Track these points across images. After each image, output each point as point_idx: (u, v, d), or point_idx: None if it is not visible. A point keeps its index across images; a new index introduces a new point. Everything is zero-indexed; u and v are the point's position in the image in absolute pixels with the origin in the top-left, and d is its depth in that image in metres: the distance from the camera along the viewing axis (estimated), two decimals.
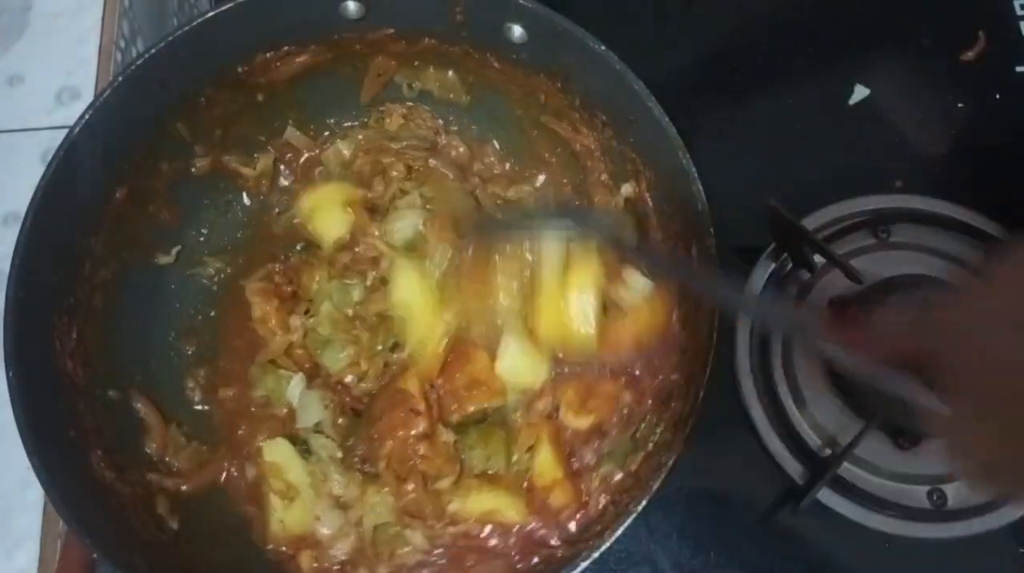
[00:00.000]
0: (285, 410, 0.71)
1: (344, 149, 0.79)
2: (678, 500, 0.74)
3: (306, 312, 0.73)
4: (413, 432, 0.65)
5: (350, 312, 0.72)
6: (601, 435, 0.68)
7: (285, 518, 0.66)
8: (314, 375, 0.72)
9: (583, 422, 0.68)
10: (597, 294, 0.66)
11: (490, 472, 0.68)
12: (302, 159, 0.79)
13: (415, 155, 0.77)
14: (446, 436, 0.67)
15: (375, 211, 0.76)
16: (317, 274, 0.74)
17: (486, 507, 0.65)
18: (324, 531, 0.66)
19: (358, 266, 0.73)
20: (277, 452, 0.68)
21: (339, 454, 0.68)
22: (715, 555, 0.73)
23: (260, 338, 0.72)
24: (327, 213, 0.74)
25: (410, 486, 0.66)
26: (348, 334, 0.71)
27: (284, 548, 0.67)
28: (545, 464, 0.67)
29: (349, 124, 0.80)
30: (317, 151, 0.79)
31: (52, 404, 0.60)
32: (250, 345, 0.73)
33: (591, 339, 0.67)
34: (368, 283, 0.73)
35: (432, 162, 0.77)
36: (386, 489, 0.66)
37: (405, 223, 0.73)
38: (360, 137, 0.79)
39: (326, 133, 0.79)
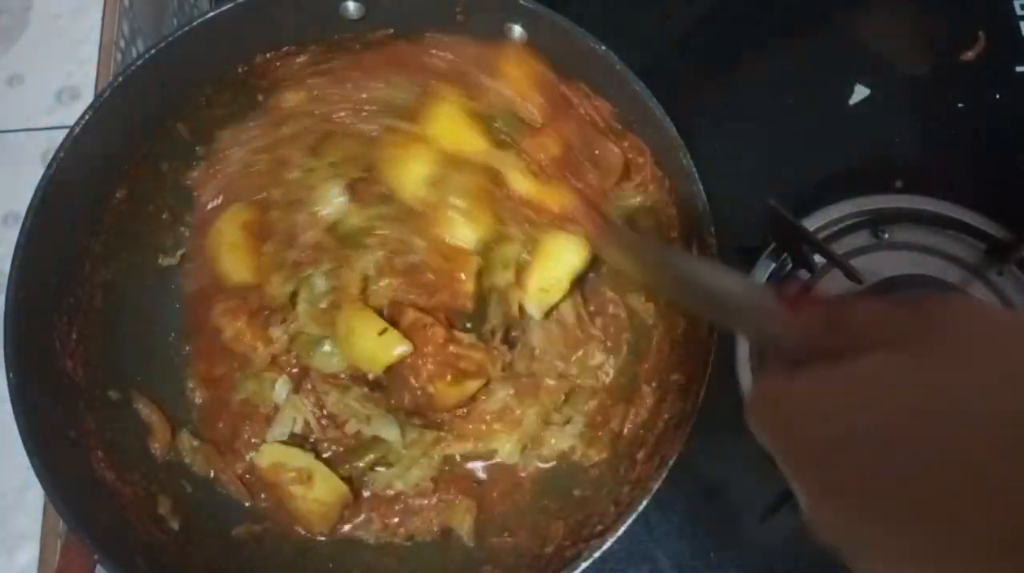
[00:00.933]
0: (271, 408, 0.71)
1: (237, 151, 0.72)
2: (678, 500, 0.74)
3: (283, 321, 0.71)
4: (436, 343, 0.66)
5: (324, 305, 0.70)
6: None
7: (315, 496, 0.66)
8: (302, 377, 0.71)
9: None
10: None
11: None
12: None
13: (311, 129, 0.71)
14: (468, 337, 0.68)
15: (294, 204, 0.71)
16: (274, 280, 0.70)
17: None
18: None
19: (307, 258, 0.70)
20: (269, 454, 0.68)
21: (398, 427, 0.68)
22: (715, 555, 0.73)
23: (240, 355, 0.71)
24: (228, 253, 0.70)
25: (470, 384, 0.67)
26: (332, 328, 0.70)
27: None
28: None
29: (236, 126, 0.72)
30: None
31: (52, 404, 0.60)
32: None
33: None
34: (325, 269, 0.70)
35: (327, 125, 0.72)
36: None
37: (327, 198, 0.70)
38: (255, 134, 0.72)
39: None
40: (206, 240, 0.71)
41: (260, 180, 0.72)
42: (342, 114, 0.72)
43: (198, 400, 0.72)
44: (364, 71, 0.72)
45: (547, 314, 0.71)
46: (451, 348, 0.67)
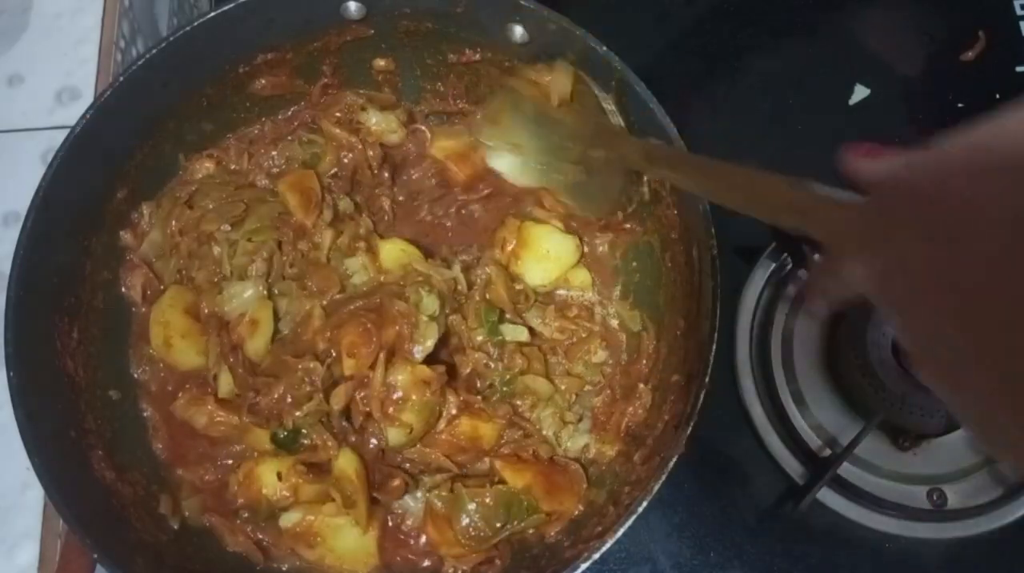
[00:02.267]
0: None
1: (155, 234, 0.70)
2: (678, 500, 0.74)
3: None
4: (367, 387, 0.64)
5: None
6: None
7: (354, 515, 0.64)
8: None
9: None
10: None
11: None
12: None
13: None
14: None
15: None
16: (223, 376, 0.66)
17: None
18: None
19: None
20: (290, 518, 0.65)
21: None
22: (715, 555, 0.73)
23: (222, 439, 0.68)
24: (177, 342, 0.67)
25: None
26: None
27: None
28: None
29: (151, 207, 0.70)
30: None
31: (52, 404, 0.60)
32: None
33: None
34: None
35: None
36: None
37: (240, 291, 0.67)
38: (171, 214, 0.70)
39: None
40: (151, 330, 0.68)
41: (184, 261, 0.70)
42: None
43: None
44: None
45: (555, 312, 0.72)
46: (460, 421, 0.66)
